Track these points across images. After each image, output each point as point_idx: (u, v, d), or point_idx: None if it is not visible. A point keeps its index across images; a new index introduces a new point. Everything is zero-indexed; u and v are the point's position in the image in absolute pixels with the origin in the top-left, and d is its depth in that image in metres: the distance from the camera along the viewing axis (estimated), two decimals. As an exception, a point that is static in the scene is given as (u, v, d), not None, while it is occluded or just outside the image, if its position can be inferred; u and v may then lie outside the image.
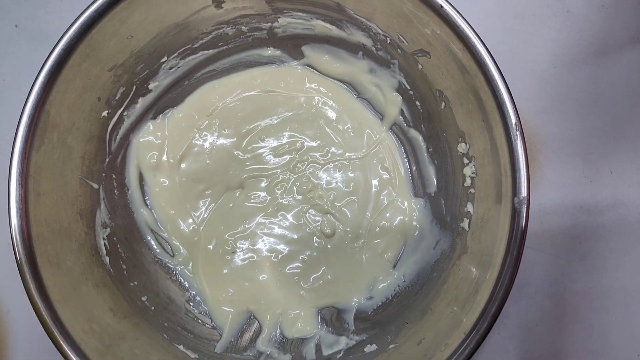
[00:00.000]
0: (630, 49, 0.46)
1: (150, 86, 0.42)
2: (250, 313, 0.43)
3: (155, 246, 0.44)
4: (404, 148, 0.45)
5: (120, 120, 0.41)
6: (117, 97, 0.40)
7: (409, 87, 0.42)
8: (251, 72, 0.46)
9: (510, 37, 0.46)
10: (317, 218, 0.44)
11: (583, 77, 0.46)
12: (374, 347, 0.40)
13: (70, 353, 0.32)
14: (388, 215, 0.44)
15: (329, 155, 0.45)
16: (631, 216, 0.44)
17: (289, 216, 0.44)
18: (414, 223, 0.43)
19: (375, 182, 0.44)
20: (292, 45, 0.45)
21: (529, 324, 0.44)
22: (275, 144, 0.45)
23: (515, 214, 0.33)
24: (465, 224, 0.38)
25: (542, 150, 0.45)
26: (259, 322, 0.43)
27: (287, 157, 0.45)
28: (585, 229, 0.44)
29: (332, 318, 0.43)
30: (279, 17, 0.42)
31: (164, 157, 0.44)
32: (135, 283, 0.41)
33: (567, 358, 0.43)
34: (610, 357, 0.43)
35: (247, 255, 0.44)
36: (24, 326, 0.43)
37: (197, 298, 0.43)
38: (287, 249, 0.44)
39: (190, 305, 0.43)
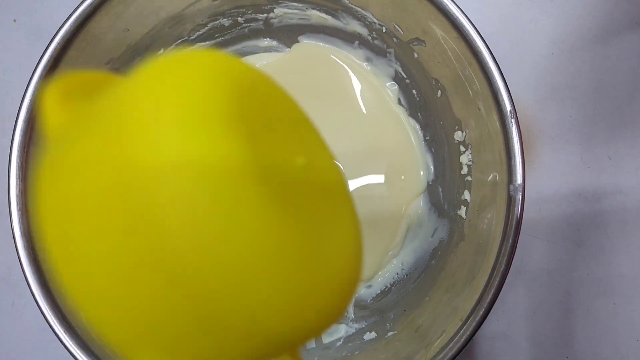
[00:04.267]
0: (630, 35, 0.46)
1: (148, 79, 0.42)
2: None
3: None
4: (401, 137, 0.45)
5: (119, 113, 0.41)
6: (114, 91, 0.40)
7: (405, 76, 0.42)
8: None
9: (507, 24, 0.46)
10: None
11: (582, 63, 0.46)
12: (373, 334, 0.40)
13: (72, 345, 0.32)
14: (386, 204, 0.44)
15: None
16: (629, 203, 0.44)
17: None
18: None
19: (373, 171, 0.45)
20: (289, 36, 0.44)
21: (527, 310, 0.44)
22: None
23: (510, 201, 0.33)
24: (462, 211, 0.38)
25: (540, 138, 0.45)
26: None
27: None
28: (583, 216, 0.44)
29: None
30: (275, 8, 0.42)
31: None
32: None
33: (566, 343, 0.44)
34: (609, 343, 0.43)
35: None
36: (28, 318, 0.43)
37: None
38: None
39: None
